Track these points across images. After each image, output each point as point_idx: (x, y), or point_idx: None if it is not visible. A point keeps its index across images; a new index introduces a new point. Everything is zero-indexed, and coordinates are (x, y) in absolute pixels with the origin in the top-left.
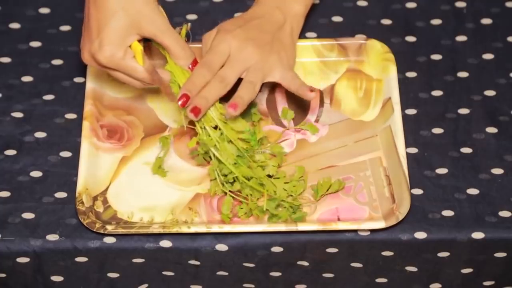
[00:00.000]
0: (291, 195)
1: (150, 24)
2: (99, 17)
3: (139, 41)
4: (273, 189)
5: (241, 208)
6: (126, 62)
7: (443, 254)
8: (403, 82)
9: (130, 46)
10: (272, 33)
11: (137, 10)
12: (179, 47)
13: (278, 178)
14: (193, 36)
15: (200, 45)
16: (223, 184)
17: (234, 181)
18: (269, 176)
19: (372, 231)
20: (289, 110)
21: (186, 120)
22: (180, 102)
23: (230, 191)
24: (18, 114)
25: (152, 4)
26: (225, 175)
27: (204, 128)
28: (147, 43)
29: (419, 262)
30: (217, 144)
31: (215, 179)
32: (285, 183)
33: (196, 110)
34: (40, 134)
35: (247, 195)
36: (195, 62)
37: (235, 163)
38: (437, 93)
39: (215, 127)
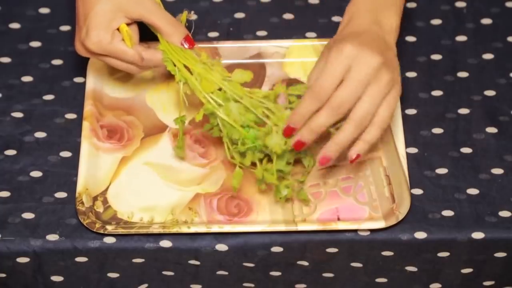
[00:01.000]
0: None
1: (136, 5)
2: (85, 5)
3: (129, 24)
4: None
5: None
6: (115, 45)
7: (443, 254)
8: (403, 82)
9: (118, 30)
10: (383, 41)
11: None
12: (169, 24)
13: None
14: (193, 36)
15: (202, 45)
16: (233, 157)
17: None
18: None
19: (372, 231)
20: (311, 158)
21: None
22: (284, 134)
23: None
24: (18, 114)
25: None
26: (235, 144)
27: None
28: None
29: (419, 262)
30: (220, 109)
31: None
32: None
33: (299, 145)
34: (40, 134)
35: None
36: (187, 38)
37: (244, 126)
38: (437, 93)
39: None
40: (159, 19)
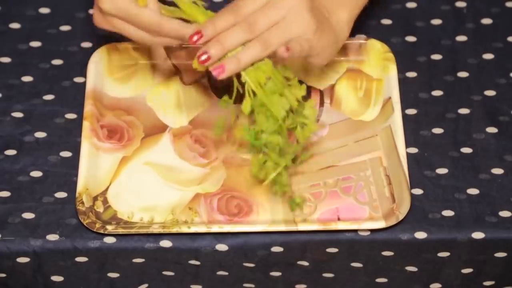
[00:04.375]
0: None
1: None
2: None
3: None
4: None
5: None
6: (130, 4)
7: (443, 254)
8: (403, 82)
9: None
10: (324, 15)
11: None
12: None
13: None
14: None
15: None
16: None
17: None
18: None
19: (372, 231)
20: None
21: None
22: (194, 38)
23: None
24: (18, 114)
25: None
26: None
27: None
28: None
29: (419, 262)
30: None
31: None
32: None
33: (221, 70)
34: (40, 134)
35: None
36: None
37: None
38: (437, 93)
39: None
40: None
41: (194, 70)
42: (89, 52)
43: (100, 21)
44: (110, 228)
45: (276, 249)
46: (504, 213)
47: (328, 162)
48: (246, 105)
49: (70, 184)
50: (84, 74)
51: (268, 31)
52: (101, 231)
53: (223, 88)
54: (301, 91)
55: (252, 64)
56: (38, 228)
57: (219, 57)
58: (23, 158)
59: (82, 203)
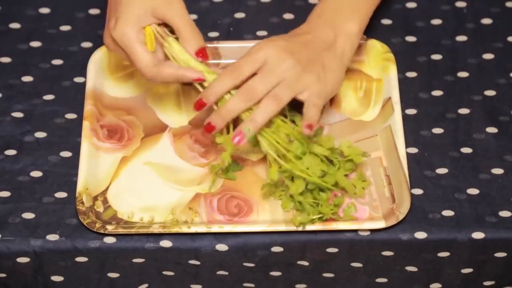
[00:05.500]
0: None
1: (166, 4)
2: None
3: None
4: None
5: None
6: (134, 44)
7: (443, 254)
8: (403, 82)
9: (144, 29)
10: (317, 52)
11: None
12: (189, 29)
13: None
14: None
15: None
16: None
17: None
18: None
19: (372, 231)
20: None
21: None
22: (194, 107)
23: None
24: (18, 114)
25: None
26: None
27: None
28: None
29: (419, 262)
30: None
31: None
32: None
33: (209, 128)
34: (40, 134)
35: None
36: (202, 50)
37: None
38: (437, 93)
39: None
40: (182, 22)
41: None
42: (89, 52)
43: (111, 45)
44: (110, 228)
45: (276, 249)
46: (504, 213)
47: None
48: (273, 172)
49: (70, 184)
50: (84, 74)
51: (252, 82)
52: (101, 231)
53: None
54: (330, 142)
55: (268, 126)
56: (38, 228)
57: (223, 126)
58: (23, 158)
59: (82, 203)
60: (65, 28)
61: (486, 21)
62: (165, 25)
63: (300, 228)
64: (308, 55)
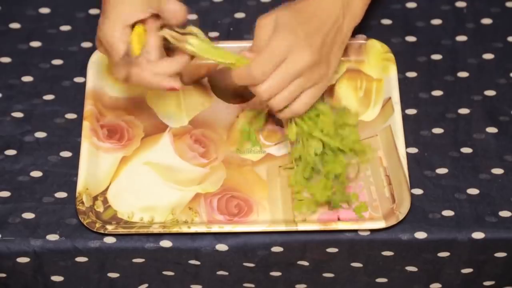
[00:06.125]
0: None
1: None
2: None
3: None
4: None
5: None
6: (114, 40)
7: (443, 254)
8: (403, 82)
9: (132, 28)
10: (330, 36)
11: None
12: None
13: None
14: None
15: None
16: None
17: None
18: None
19: (372, 231)
20: (363, 204)
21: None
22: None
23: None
24: (18, 114)
25: None
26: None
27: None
28: None
29: (419, 262)
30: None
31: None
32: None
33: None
34: (40, 134)
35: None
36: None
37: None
38: (437, 93)
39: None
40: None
41: (194, 70)
42: (89, 52)
43: (99, 46)
44: (110, 228)
45: (276, 249)
46: (504, 213)
47: None
48: (291, 132)
49: (70, 184)
50: (84, 74)
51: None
52: (101, 231)
53: (223, 88)
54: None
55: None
56: (38, 228)
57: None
58: (23, 158)
59: (82, 203)
60: (65, 28)
61: (486, 21)
62: (156, 16)
63: (298, 228)
64: (324, 40)
